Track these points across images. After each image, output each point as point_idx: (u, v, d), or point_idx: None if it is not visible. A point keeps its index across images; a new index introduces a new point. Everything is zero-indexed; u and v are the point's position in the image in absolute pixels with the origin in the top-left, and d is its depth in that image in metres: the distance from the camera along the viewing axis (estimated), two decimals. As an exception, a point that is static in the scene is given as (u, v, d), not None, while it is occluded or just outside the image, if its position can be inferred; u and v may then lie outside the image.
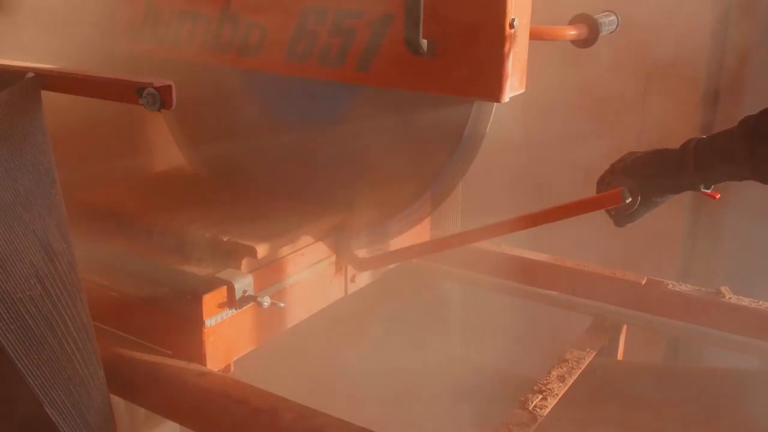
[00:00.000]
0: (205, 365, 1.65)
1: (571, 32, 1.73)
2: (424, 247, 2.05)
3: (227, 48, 1.84)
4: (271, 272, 1.80)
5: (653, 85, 2.77)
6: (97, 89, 1.39)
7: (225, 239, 1.77)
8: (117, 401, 1.90)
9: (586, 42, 1.77)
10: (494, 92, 1.53)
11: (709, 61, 2.68)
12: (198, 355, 1.65)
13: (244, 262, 1.76)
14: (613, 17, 1.86)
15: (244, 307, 1.72)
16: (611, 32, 1.88)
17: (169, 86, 1.35)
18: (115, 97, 1.38)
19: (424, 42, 1.52)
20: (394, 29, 1.59)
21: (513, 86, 1.56)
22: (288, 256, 1.84)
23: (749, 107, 2.55)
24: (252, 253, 1.73)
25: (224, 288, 1.66)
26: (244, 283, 1.69)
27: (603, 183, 1.63)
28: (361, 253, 2.00)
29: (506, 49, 1.50)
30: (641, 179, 1.56)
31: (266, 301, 1.71)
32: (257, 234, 1.79)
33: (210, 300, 1.63)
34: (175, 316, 1.66)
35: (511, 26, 1.49)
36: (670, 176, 1.53)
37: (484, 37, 1.51)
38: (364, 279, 2.10)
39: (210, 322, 1.64)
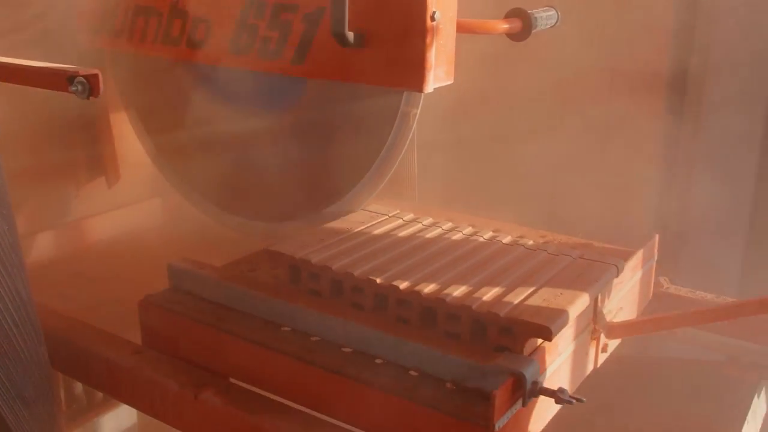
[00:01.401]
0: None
1: (504, 26, 1.79)
2: (683, 318, 1.84)
3: (177, 41, 1.91)
4: (542, 352, 1.45)
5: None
6: (30, 78, 1.47)
7: (501, 314, 1.41)
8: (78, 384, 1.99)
9: (520, 36, 1.83)
10: (417, 82, 1.58)
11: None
12: None
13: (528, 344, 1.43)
14: (552, 12, 1.91)
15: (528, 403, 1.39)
16: (551, 27, 1.93)
17: (96, 74, 1.42)
18: (48, 85, 1.46)
19: (351, 34, 1.58)
20: (325, 22, 1.66)
21: (438, 77, 1.61)
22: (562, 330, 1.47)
23: (713, 103, 2.63)
24: (545, 334, 1.38)
25: (511, 379, 1.34)
26: (533, 372, 1.36)
27: None
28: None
29: (428, 40, 1.56)
30: None
31: (565, 395, 1.37)
32: (533, 306, 1.45)
33: (501, 396, 1.31)
34: (446, 416, 1.31)
35: (432, 19, 1.55)
36: None
37: (406, 30, 1.56)
38: (611, 347, 1.81)
39: (499, 424, 1.31)
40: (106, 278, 2.47)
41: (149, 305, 1.67)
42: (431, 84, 1.61)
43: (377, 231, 1.82)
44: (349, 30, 1.57)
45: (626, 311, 1.83)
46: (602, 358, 1.75)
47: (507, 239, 1.79)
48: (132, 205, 2.57)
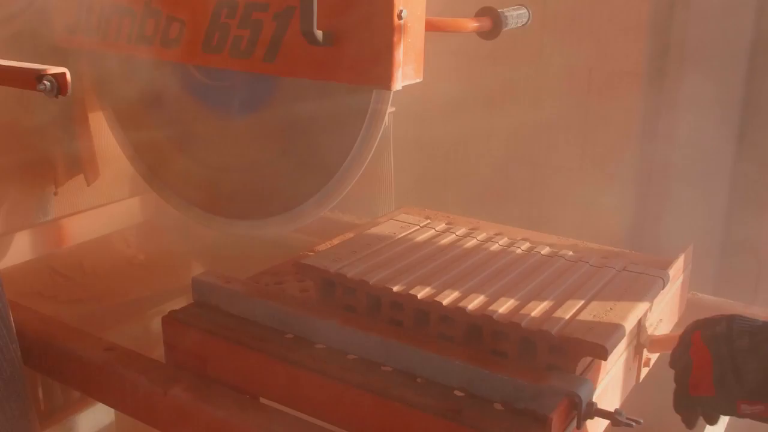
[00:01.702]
0: None
1: (473, 24, 1.80)
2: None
3: (151, 41, 1.92)
4: (595, 371, 1.40)
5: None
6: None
7: (553, 332, 1.34)
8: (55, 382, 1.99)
9: (490, 34, 1.84)
10: (385, 81, 1.60)
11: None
12: None
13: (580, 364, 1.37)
14: (523, 11, 1.93)
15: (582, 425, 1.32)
16: (523, 25, 1.95)
17: (63, 73, 1.43)
18: (16, 84, 1.47)
19: (320, 33, 1.59)
20: (296, 21, 1.67)
21: (407, 75, 1.63)
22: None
23: (690, 93, 2.65)
24: (600, 353, 1.31)
25: (566, 401, 1.26)
26: (587, 392, 1.29)
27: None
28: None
29: (395, 39, 1.57)
30: None
31: (623, 416, 1.29)
32: (585, 322, 1.39)
33: (557, 419, 1.24)
34: None
35: (399, 17, 1.56)
36: None
37: (373, 28, 1.58)
38: (652, 360, 1.73)
39: None
40: (84, 277, 2.49)
41: (174, 322, 1.59)
42: (399, 82, 1.62)
43: (411, 242, 1.75)
44: (318, 28, 1.59)
45: (665, 323, 1.77)
46: (644, 372, 1.68)
47: (545, 250, 1.73)
48: (111, 204, 2.58)
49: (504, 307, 1.42)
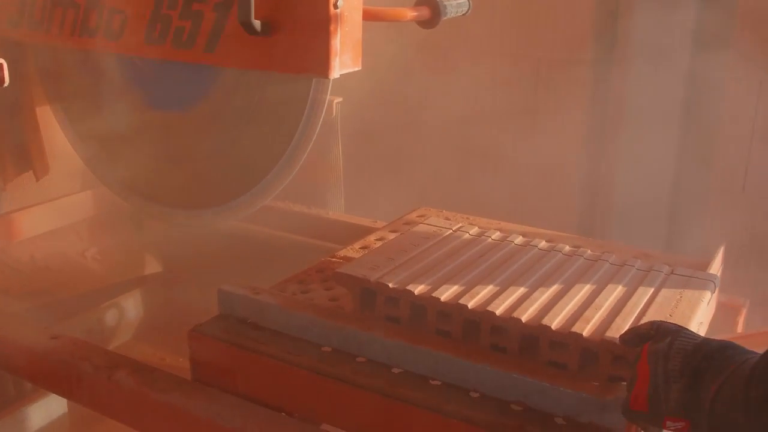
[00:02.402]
0: None
1: (412, 14, 1.84)
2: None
3: (94, 33, 1.94)
4: None
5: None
6: (-63, 68, 1.48)
7: (617, 341, 1.27)
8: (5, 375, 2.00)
9: (430, 23, 1.88)
10: (323, 69, 1.63)
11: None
12: None
13: None
14: (463, 0, 1.97)
15: None
16: (463, 14, 1.99)
17: (1, 64, 1.45)
18: (-45, 75, 1.48)
19: (257, 23, 1.62)
20: (235, 11, 1.69)
21: (344, 63, 1.66)
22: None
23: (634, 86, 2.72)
24: None
25: None
26: None
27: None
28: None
29: (332, 28, 1.60)
30: None
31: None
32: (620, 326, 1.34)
33: None
34: None
35: (335, 6, 1.59)
36: None
37: (310, 18, 1.61)
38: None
39: None
40: (37, 270, 2.50)
41: (201, 336, 1.51)
42: (337, 70, 1.65)
43: (448, 248, 1.66)
44: (256, 18, 1.62)
45: (704, 326, 1.68)
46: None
47: (588, 254, 1.65)
48: (63, 198, 2.58)
49: (560, 316, 1.36)
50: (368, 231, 2.32)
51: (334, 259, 1.78)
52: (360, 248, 1.84)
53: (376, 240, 1.88)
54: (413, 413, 1.28)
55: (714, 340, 1.10)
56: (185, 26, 1.79)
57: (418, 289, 1.43)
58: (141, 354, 2.33)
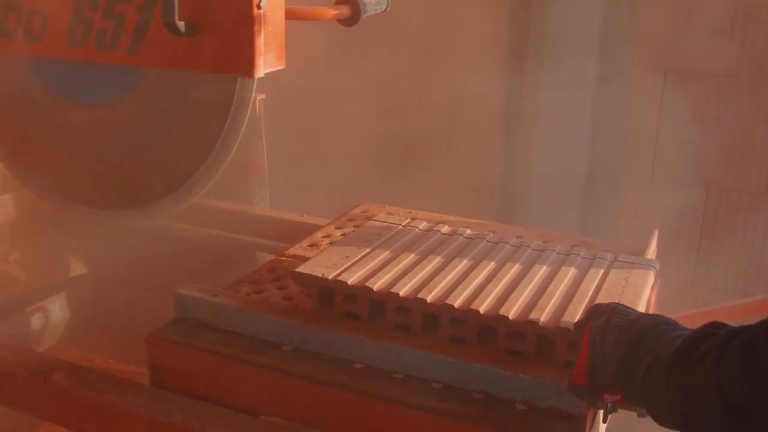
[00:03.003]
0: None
1: (333, 12, 1.89)
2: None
3: (13, 35, 1.92)
4: None
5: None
6: None
7: (571, 328, 1.33)
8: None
9: (350, 21, 1.93)
10: (248, 68, 1.66)
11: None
12: None
13: None
14: None
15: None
16: (383, 11, 2.05)
17: None
18: None
19: (182, 24, 1.64)
20: (158, 12, 1.71)
21: (269, 62, 1.70)
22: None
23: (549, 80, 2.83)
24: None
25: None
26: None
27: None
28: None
29: (256, 28, 1.64)
30: None
31: None
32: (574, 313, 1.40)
33: (589, 416, 1.28)
34: None
35: (259, 7, 1.63)
36: None
37: (234, 18, 1.63)
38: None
39: None
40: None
41: (160, 341, 1.50)
42: (261, 69, 1.68)
43: (400, 243, 1.69)
44: (181, 20, 1.64)
45: (641, 309, 1.75)
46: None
47: (534, 244, 1.70)
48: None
49: (516, 305, 1.41)
50: (294, 225, 2.37)
51: (284, 258, 1.81)
52: (308, 246, 1.88)
53: (323, 237, 1.93)
54: (378, 407, 1.33)
55: (649, 315, 1.19)
56: (108, 28, 1.79)
57: (377, 285, 1.47)
58: (69, 357, 2.32)
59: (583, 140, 2.81)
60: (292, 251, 1.87)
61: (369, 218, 2.01)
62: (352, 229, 1.96)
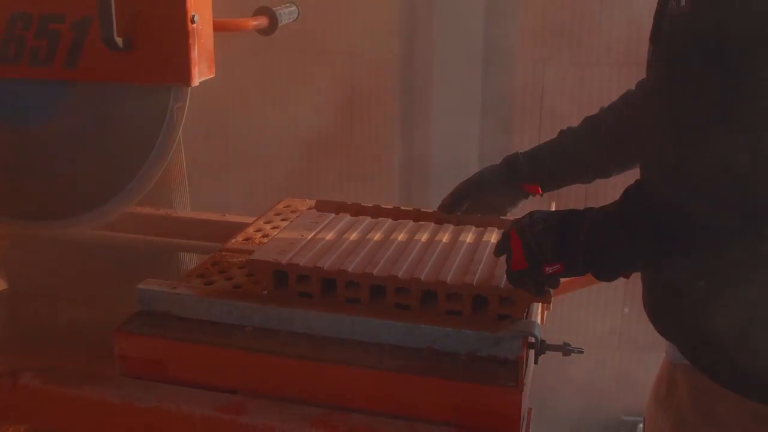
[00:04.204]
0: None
1: (253, 23, 2.04)
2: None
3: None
4: (533, 315, 1.66)
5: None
6: None
7: (502, 286, 1.56)
8: None
9: (268, 30, 2.09)
10: (185, 78, 1.80)
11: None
12: (515, 428, 1.45)
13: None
14: (293, 8, 2.19)
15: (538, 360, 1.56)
16: (293, 20, 2.21)
17: None
18: None
19: (120, 39, 1.76)
20: (93, 29, 1.81)
21: (202, 72, 1.84)
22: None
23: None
24: (545, 298, 1.56)
25: (524, 342, 1.49)
26: (539, 333, 1.51)
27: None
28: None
29: (191, 41, 1.77)
30: None
31: (570, 347, 1.58)
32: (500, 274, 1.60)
33: (521, 360, 1.46)
34: (479, 384, 1.45)
35: (192, 21, 1.76)
36: None
37: (170, 33, 1.77)
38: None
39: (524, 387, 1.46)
40: None
41: (128, 334, 1.62)
42: (197, 78, 1.83)
43: (337, 228, 1.87)
44: (118, 35, 1.75)
45: None
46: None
47: (446, 226, 1.92)
48: None
49: (451, 272, 1.62)
50: (218, 224, 2.49)
51: (224, 253, 1.95)
52: (243, 240, 2.03)
53: (255, 231, 2.08)
54: (337, 370, 1.51)
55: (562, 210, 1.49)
56: (41, 45, 1.87)
57: (327, 264, 1.65)
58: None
59: (474, 123, 3.06)
60: (229, 246, 2.01)
61: (293, 212, 2.19)
62: (280, 222, 2.13)
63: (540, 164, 1.90)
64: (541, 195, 1.92)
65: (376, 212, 2.02)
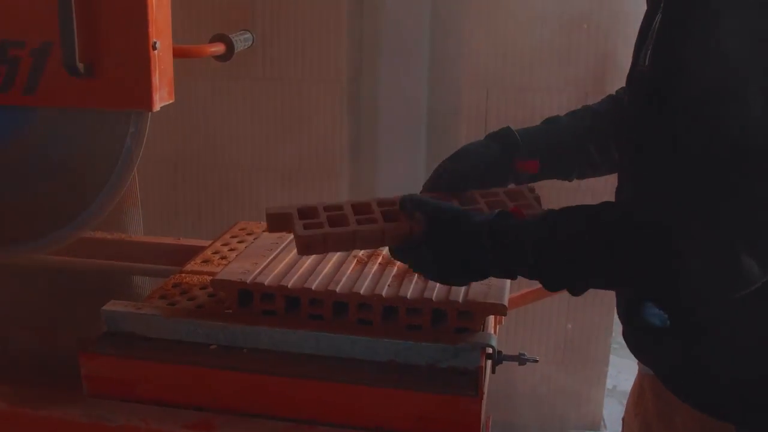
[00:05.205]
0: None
1: (211, 49, 2.10)
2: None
3: None
4: (489, 327, 1.71)
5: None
6: None
7: (460, 300, 1.63)
8: None
9: (225, 57, 2.15)
10: (146, 103, 1.84)
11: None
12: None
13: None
14: (248, 35, 2.26)
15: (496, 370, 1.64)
16: (248, 47, 2.28)
17: None
18: None
19: (81, 65, 1.79)
20: (54, 55, 1.84)
21: (162, 97, 1.88)
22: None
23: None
24: (500, 310, 1.63)
25: (482, 353, 1.56)
26: (496, 344, 1.59)
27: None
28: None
29: (152, 67, 1.82)
30: None
31: (526, 356, 1.67)
32: (478, 289, 1.67)
33: (481, 370, 1.52)
34: (440, 395, 1.51)
35: (154, 48, 1.81)
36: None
37: (132, 59, 1.81)
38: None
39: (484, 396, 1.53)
40: None
41: (94, 355, 1.65)
42: (158, 103, 1.87)
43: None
44: (80, 62, 1.79)
45: None
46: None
47: None
48: None
49: (411, 288, 1.67)
50: (172, 248, 2.52)
51: (184, 275, 1.98)
52: (202, 262, 2.05)
53: (213, 254, 2.11)
54: (302, 385, 1.56)
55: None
56: (1, 71, 1.89)
57: (290, 283, 1.70)
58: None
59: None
60: (189, 267, 2.04)
61: (249, 234, 2.24)
62: (237, 244, 2.17)
63: (538, 137, 1.74)
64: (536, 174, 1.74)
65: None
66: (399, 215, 1.57)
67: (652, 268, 1.21)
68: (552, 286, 1.36)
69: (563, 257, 1.31)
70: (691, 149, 1.17)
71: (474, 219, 1.42)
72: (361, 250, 1.50)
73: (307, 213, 1.59)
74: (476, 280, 1.53)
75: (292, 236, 2.01)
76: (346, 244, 1.57)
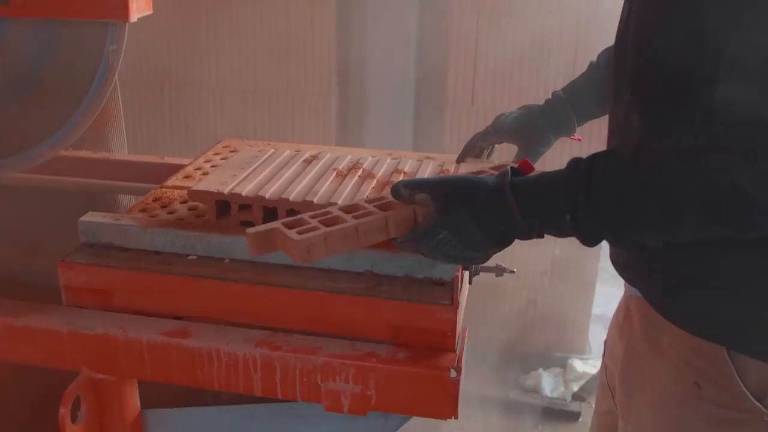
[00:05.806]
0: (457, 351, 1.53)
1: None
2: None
3: None
4: None
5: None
6: None
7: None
8: None
9: None
10: (123, 13, 1.82)
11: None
12: (450, 344, 1.52)
13: None
14: None
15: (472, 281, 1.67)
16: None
17: None
18: None
19: (57, -26, 1.77)
20: (28, -36, 1.81)
21: (140, 8, 1.86)
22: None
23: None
24: None
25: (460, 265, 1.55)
26: None
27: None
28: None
29: (128, -24, 1.79)
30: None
31: (502, 267, 1.67)
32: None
33: (456, 281, 1.52)
34: (417, 303, 1.51)
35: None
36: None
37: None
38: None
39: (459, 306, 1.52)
40: None
41: (73, 264, 1.64)
42: (135, 14, 1.85)
43: (275, 163, 1.89)
44: (55, -30, 1.76)
45: None
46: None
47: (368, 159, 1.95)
48: None
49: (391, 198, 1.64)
50: (156, 166, 2.50)
51: (165, 189, 1.97)
52: (184, 178, 2.04)
53: (195, 170, 2.09)
54: (280, 293, 1.56)
55: None
56: (-27, -19, 1.86)
57: (269, 193, 1.69)
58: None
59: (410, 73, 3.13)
60: (170, 182, 2.03)
61: (233, 152, 2.22)
62: (220, 161, 2.16)
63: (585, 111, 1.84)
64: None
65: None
66: (394, 205, 1.48)
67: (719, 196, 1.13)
68: (590, 240, 1.27)
69: (607, 205, 1.21)
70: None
71: (487, 182, 1.33)
72: (365, 243, 1.47)
73: (294, 224, 1.47)
74: (499, 250, 1.38)
75: (272, 150, 2.01)
76: (350, 241, 1.46)
